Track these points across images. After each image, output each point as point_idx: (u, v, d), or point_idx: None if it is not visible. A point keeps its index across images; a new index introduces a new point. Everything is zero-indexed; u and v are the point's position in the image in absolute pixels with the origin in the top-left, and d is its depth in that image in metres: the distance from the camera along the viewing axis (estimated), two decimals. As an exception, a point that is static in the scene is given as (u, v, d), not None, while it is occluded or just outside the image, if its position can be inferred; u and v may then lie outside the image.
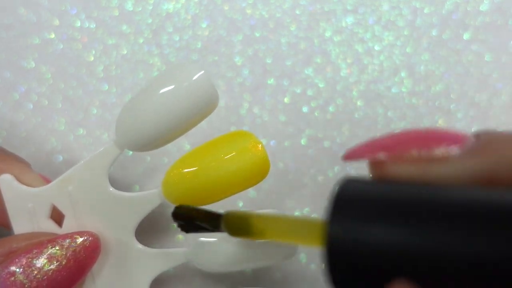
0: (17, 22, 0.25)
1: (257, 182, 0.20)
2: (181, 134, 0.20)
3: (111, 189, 0.20)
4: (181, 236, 0.24)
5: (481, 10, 0.26)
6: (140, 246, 0.21)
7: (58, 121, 0.25)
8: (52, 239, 0.19)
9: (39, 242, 0.19)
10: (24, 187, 0.20)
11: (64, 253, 0.19)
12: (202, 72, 0.19)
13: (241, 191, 0.20)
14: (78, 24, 0.25)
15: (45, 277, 0.18)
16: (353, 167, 0.25)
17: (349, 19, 0.26)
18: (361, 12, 0.26)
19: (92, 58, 0.25)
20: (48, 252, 0.19)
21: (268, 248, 0.20)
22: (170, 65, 0.19)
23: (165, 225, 0.24)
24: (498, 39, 0.26)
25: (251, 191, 0.24)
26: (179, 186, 0.19)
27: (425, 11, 0.26)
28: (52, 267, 0.18)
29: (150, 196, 0.20)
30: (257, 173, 0.20)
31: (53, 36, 0.25)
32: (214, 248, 0.21)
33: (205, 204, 0.20)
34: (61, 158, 0.24)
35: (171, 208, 0.20)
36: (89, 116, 0.25)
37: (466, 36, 0.26)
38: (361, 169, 0.25)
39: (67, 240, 0.19)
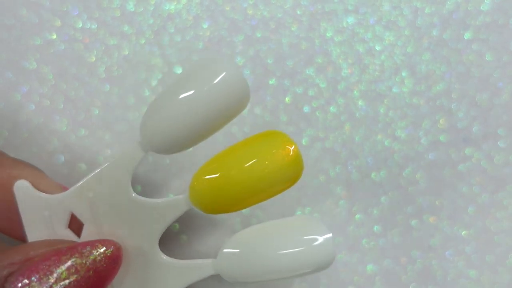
0: (18, 23, 0.25)
1: (291, 185, 0.19)
2: (209, 136, 0.19)
3: (134, 194, 0.19)
4: (185, 236, 0.24)
5: (481, 9, 0.26)
6: (164, 257, 0.20)
7: (60, 122, 0.25)
8: (72, 247, 0.18)
9: (57, 250, 0.18)
10: (42, 193, 0.19)
11: (84, 262, 0.17)
12: (235, 67, 0.18)
13: (274, 195, 0.19)
14: (80, 25, 0.25)
15: (63, 287, 0.17)
16: (354, 166, 0.25)
17: (350, 19, 0.26)
18: (362, 12, 0.26)
19: (93, 59, 0.25)
20: (67, 261, 0.17)
21: (305, 256, 0.19)
22: (199, 59, 0.18)
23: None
24: (499, 38, 0.26)
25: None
26: (208, 192, 0.18)
27: (426, 11, 0.26)
28: (70, 277, 0.17)
29: (176, 202, 0.19)
30: (289, 176, 0.19)
31: (54, 36, 0.25)
32: (248, 258, 0.19)
33: (235, 210, 0.19)
34: (63, 158, 0.24)
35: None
36: (91, 116, 0.25)
37: (467, 35, 0.26)
38: (361, 169, 0.25)
39: (88, 248, 0.18)
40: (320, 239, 0.19)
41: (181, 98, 0.18)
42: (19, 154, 0.24)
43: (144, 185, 0.24)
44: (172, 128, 0.18)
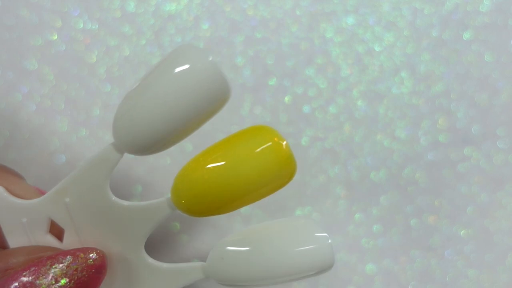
0: (19, 23, 0.25)
1: (282, 185, 0.17)
2: (188, 134, 0.17)
3: (113, 198, 0.18)
4: (186, 236, 0.24)
5: (480, 10, 0.26)
6: (151, 261, 0.18)
7: (61, 122, 0.25)
8: (52, 256, 0.17)
9: (38, 260, 0.17)
10: (16, 199, 0.18)
11: (65, 273, 0.16)
12: (211, 58, 0.16)
13: (263, 197, 0.17)
14: (81, 25, 0.25)
15: None
16: (353, 166, 0.25)
17: (350, 20, 0.26)
18: (361, 12, 0.26)
19: (94, 59, 0.25)
20: (47, 272, 0.16)
21: (303, 256, 0.17)
22: (172, 52, 0.17)
23: (166, 225, 0.24)
24: (497, 39, 0.26)
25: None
26: (191, 194, 0.17)
27: (425, 11, 0.26)
28: None
29: (159, 205, 0.18)
30: (280, 176, 0.17)
31: (55, 37, 0.25)
32: (239, 261, 0.18)
33: (223, 212, 0.18)
34: (64, 158, 0.25)
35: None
36: (92, 117, 0.25)
37: (466, 36, 0.26)
38: (361, 169, 0.25)
39: (68, 258, 0.17)
40: (318, 242, 0.17)
41: (151, 94, 0.16)
42: (20, 155, 0.24)
43: (144, 186, 0.25)
44: (144, 126, 0.16)
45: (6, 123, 0.25)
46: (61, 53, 0.25)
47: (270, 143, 0.17)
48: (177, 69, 0.16)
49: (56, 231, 0.18)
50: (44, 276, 0.16)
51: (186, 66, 0.16)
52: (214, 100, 0.16)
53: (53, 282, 0.16)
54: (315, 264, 0.17)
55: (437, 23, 0.26)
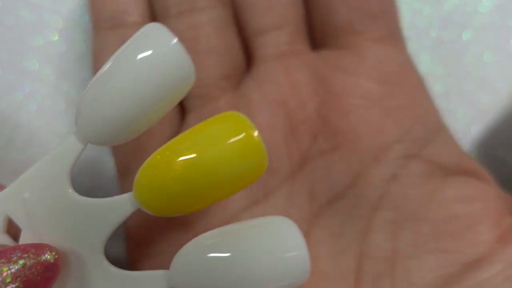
0: (20, 23, 0.25)
1: (251, 181, 0.16)
2: (154, 121, 0.17)
3: (73, 194, 0.16)
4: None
5: (480, 11, 0.26)
6: (110, 267, 0.17)
7: (61, 122, 0.25)
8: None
9: None
10: None
11: (11, 269, 0.14)
12: (175, 40, 0.16)
13: (232, 193, 0.16)
14: (82, 25, 0.25)
15: None
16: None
17: (350, 20, 0.26)
18: (361, 13, 0.26)
19: (95, 60, 0.25)
20: None
21: (275, 266, 0.15)
22: (136, 33, 0.16)
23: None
24: (497, 39, 0.26)
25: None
26: (156, 189, 0.15)
27: (424, 12, 0.26)
28: None
29: (120, 202, 0.16)
30: (251, 169, 0.16)
31: (56, 38, 0.25)
32: (207, 269, 0.15)
33: (189, 211, 0.16)
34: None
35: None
36: (93, 117, 0.25)
37: (465, 36, 0.26)
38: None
39: (17, 253, 0.15)
40: (294, 249, 0.15)
41: (116, 77, 0.15)
42: (21, 155, 0.24)
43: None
44: (108, 111, 0.15)
45: (7, 123, 0.24)
46: (62, 54, 0.25)
47: (242, 135, 0.15)
48: (141, 54, 0.15)
49: (15, 231, 0.17)
50: None
51: (150, 50, 0.16)
52: (179, 84, 0.16)
53: None
54: (288, 275, 0.15)
55: (437, 24, 0.26)
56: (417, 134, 0.20)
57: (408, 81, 0.21)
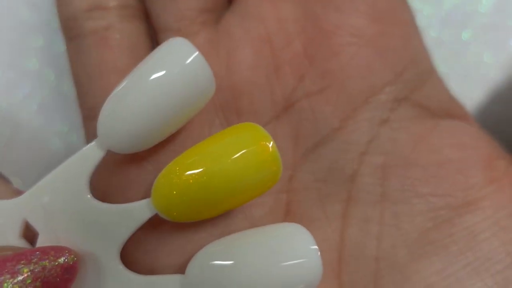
0: (20, 23, 0.25)
1: (266, 189, 0.17)
2: (173, 131, 0.17)
3: (92, 199, 0.17)
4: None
5: (480, 11, 0.26)
6: (126, 271, 0.17)
7: (62, 122, 0.25)
8: (19, 253, 0.15)
9: (2, 257, 0.15)
10: None
11: (31, 270, 0.15)
12: (196, 53, 0.16)
13: (247, 200, 0.17)
14: (81, 25, 0.25)
15: None
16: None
17: (350, 20, 0.26)
18: (361, 13, 0.26)
19: (95, 60, 0.25)
20: (11, 268, 0.15)
21: (287, 273, 0.16)
22: (160, 46, 0.17)
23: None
24: (497, 39, 0.26)
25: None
26: (173, 196, 0.16)
27: (424, 12, 0.26)
28: (14, 286, 0.14)
29: (138, 208, 0.17)
30: (266, 178, 0.16)
31: (56, 38, 0.25)
32: (221, 274, 0.16)
33: (204, 218, 0.17)
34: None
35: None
36: (93, 117, 0.25)
37: (465, 36, 0.26)
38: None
39: (37, 254, 0.15)
40: (306, 254, 0.16)
41: (140, 88, 0.16)
42: (21, 155, 0.24)
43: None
44: (131, 122, 0.16)
45: (7, 123, 0.25)
46: (62, 54, 0.25)
47: (255, 146, 0.16)
48: (165, 66, 0.16)
49: (30, 234, 0.17)
50: (8, 275, 0.15)
51: (173, 62, 0.16)
52: (201, 95, 0.17)
53: (20, 279, 0.15)
54: (300, 282, 0.16)
55: (436, 24, 0.26)
56: (409, 76, 0.19)
57: (401, 20, 0.20)
